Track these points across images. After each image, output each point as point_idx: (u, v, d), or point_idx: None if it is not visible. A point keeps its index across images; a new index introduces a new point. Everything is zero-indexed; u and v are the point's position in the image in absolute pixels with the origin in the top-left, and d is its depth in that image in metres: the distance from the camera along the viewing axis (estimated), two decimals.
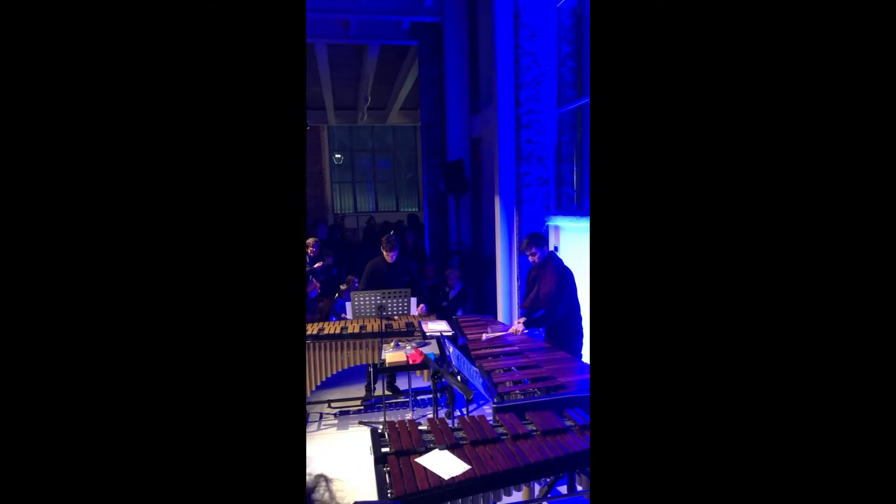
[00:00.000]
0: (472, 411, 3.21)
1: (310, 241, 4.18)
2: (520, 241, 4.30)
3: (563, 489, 2.13)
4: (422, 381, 3.57)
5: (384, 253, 3.66)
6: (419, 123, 7.87)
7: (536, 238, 3.02)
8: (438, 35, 6.36)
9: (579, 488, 1.98)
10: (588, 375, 2.47)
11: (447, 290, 4.88)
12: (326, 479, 0.56)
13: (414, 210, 11.17)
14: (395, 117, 11.09)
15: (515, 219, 4.50)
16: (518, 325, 3.02)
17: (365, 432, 3.23)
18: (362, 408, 3.60)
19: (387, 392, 3.54)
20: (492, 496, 1.59)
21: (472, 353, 2.74)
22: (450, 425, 1.89)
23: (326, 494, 0.55)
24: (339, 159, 12.09)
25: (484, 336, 3.00)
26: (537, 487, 2.06)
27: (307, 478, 0.56)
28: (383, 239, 3.73)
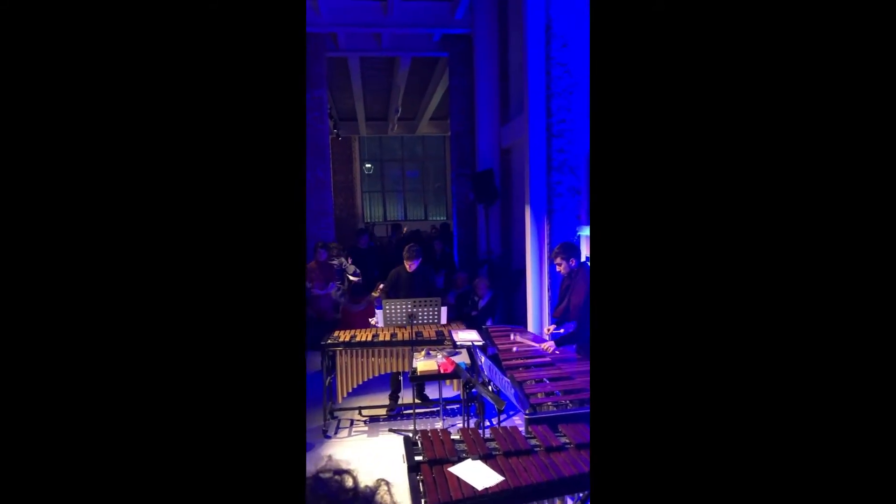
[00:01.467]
0: (502, 422, 3.19)
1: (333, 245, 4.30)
2: (550, 251, 4.27)
3: None
4: (451, 389, 3.57)
5: (406, 262, 3.71)
6: (448, 133, 7.95)
7: (567, 248, 3.01)
8: (469, 46, 6.42)
9: None
10: None
11: (476, 299, 4.89)
12: (388, 483, 0.58)
13: (443, 219, 11.24)
14: (424, 127, 11.24)
15: (546, 228, 4.48)
16: (549, 344, 2.98)
17: (395, 440, 3.25)
18: (388, 417, 3.62)
19: (416, 400, 3.55)
20: None
21: (504, 363, 2.73)
22: (482, 436, 1.89)
23: (387, 497, 0.57)
24: (369, 169, 12.29)
25: (514, 347, 2.99)
26: (570, 502, 2.03)
27: (369, 481, 0.58)
28: (406, 248, 3.78)
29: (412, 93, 9.11)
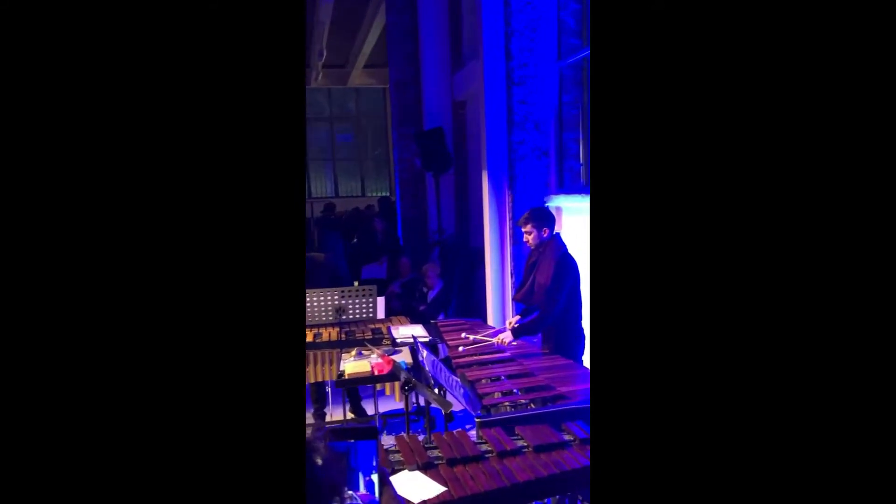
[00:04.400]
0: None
1: None
2: (514, 227, 4.37)
3: None
4: (393, 400, 3.62)
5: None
6: (388, 85, 7.92)
7: (540, 214, 3.03)
8: None
9: None
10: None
11: (425, 290, 4.95)
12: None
13: (385, 194, 11.21)
14: (357, 77, 11.11)
15: (508, 199, 4.58)
16: (505, 335, 3.04)
17: None
18: None
19: (349, 416, 3.59)
20: None
21: (454, 360, 2.81)
22: (422, 443, 1.95)
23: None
24: None
25: (462, 347, 3.04)
26: None
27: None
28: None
29: (340, 32, 8.98)
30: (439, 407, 2.28)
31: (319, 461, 0.85)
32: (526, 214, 3.07)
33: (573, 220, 4.16)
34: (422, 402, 3.18)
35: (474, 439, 1.99)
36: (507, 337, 3.00)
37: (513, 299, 3.56)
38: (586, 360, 3.07)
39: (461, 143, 6.26)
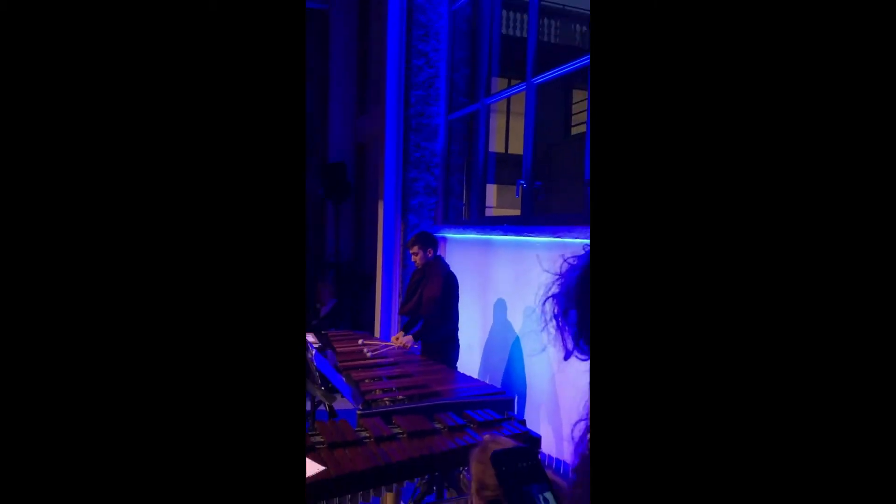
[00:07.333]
0: None
1: None
2: (406, 254, 4.41)
3: None
4: None
5: None
6: None
7: (426, 237, 3.13)
8: (325, 24, 6.42)
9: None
10: (463, 384, 2.60)
11: (318, 306, 4.82)
12: None
13: None
14: None
15: (401, 228, 4.62)
16: (405, 339, 3.05)
17: None
18: None
19: None
20: (349, 499, 1.60)
21: (340, 363, 2.74)
22: (307, 430, 1.88)
23: None
24: None
25: (360, 342, 3.00)
26: None
27: None
28: None
29: None
30: (324, 399, 2.21)
31: None
32: (413, 237, 3.13)
33: (455, 246, 4.28)
34: (308, 407, 3.06)
35: (355, 427, 1.95)
36: (407, 340, 3.01)
37: (399, 313, 3.56)
38: (459, 366, 3.13)
39: (361, 180, 6.27)
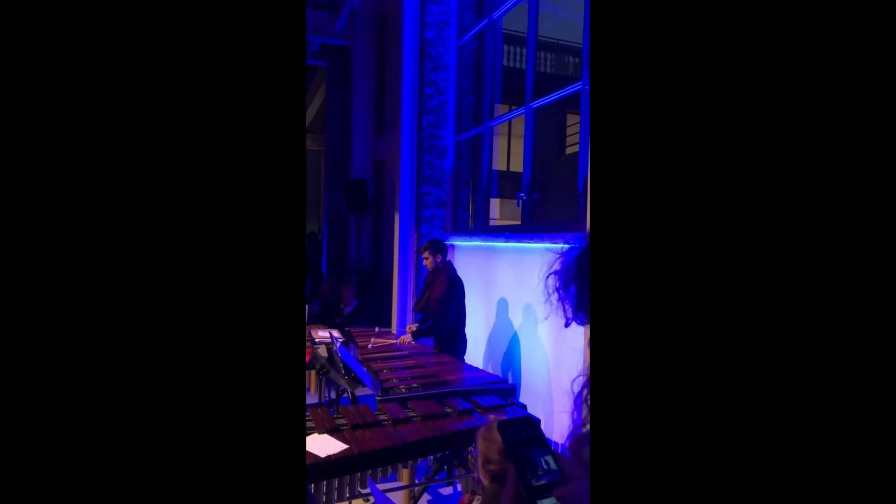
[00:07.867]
0: None
1: None
2: (419, 259, 4.44)
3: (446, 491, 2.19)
4: (309, 393, 3.46)
5: None
6: (323, 148, 7.85)
7: (437, 244, 3.16)
8: (347, 58, 6.51)
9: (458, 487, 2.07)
10: (470, 374, 2.61)
11: (342, 306, 4.85)
12: None
13: (312, 231, 10.94)
14: None
15: (414, 236, 4.65)
16: (406, 336, 3.09)
17: None
18: None
19: None
20: (370, 474, 1.62)
21: (361, 355, 2.76)
22: (332, 414, 1.90)
23: None
24: None
25: (371, 343, 3.04)
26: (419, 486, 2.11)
27: None
28: None
29: None
30: (347, 387, 2.23)
31: None
32: (425, 244, 3.17)
33: (462, 252, 4.30)
34: (332, 396, 3.07)
35: (375, 411, 1.97)
36: (407, 338, 3.04)
37: (413, 310, 3.58)
38: (467, 358, 3.13)
39: (380, 193, 6.31)
